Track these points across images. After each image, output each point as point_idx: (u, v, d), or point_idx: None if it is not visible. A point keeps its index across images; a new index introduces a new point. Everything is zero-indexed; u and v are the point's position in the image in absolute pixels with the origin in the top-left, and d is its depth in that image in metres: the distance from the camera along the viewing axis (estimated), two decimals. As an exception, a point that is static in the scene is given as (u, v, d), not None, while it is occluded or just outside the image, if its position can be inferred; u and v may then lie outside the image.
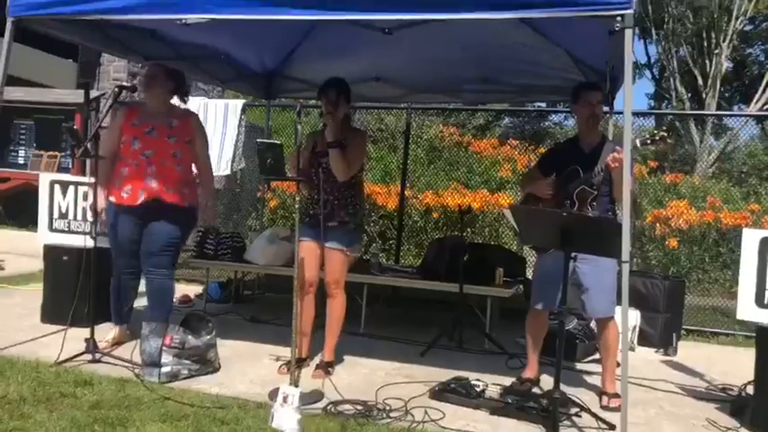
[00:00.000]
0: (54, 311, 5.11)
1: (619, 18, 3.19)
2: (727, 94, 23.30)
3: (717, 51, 18.76)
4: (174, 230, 4.41)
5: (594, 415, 3.68)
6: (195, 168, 4.62)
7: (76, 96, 10.42)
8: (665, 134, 3.73)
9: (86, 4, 3.82)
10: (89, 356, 4.22)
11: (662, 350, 5.59)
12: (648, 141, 3.82)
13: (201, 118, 7.18)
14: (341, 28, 4.80)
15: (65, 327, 4.40)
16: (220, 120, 7.31)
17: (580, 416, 3.72)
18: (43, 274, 5.39)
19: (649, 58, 24.09)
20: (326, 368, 4.30)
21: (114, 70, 11.46)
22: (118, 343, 4.61)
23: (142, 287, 4.65)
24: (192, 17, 3.72)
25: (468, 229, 8.08)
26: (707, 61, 19.16)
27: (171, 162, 4.38)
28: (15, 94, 10.05)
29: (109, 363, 4.20)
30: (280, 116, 9.74)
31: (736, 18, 18.28)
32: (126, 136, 4.42)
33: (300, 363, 4.27)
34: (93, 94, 10.32)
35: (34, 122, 11.83)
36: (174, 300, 5.56)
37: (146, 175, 4.34)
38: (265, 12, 3.61)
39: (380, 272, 5.86)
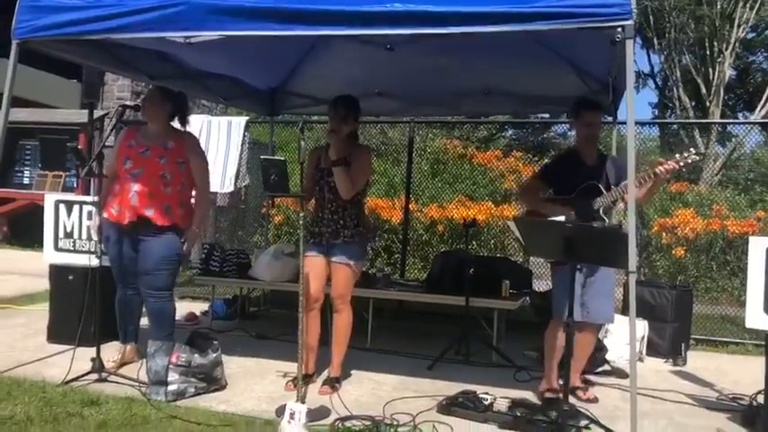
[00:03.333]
0: (60, 331, 5.10)
1: (619, 29, 3.20)
2: (730, 102, 23.27)
3: (719, 60, 18.78)
4: (165, 250, 4.33)
5: (604, 427, 3.66)
6: (195, 191, 4.57)
7: (80, 116, 10.48)
8: (696, 156, 3.93)
9: (91, 24, 3.80)
10: (96, 376, 4.21)
11: (671, 360, 5.55)
12: (681, 164, 3.95)
13: (205, 135, 7.27)
14: (342, 44, 4.81)
15: (71, 346, 4.39)
16: (224, 137, 7.33)
17: (590, 428, 3.69)
18: (49, 294, 5.38)
19: (652, 67, 24.13)
20: (333, 384, 4.28)
21: (118, 89, 11.49)
22: (125, 362, 4.60)
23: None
24: (196, 35, 3.72)
25: (474, 242, 8.06)
26: (710, 70, 19.18)
27: (159, 182, 4.33)
28: (20, 114, 10.12)
29: (115, 382, 4.19)
30: (283, 131, 9.78)
31: (738, 26, 18.30)
32: (121, 156, 4.41)
33: (307, 379, 4.25)
34: (97, 113, 10.36)
35: (39, 143, 11.91)
36: (180, 317, 5.57)
37: (130, 193, 4.32)
38: (269, 28, 3.59)
39: (386, 286, 5.85)
